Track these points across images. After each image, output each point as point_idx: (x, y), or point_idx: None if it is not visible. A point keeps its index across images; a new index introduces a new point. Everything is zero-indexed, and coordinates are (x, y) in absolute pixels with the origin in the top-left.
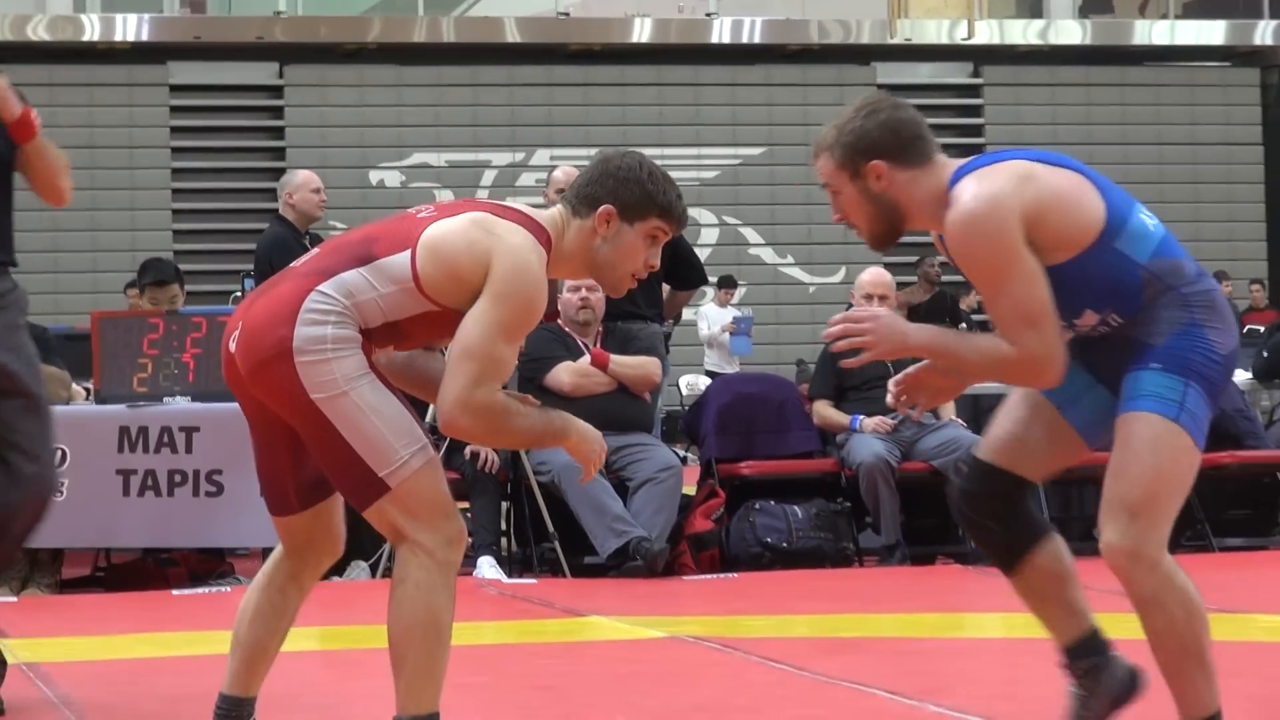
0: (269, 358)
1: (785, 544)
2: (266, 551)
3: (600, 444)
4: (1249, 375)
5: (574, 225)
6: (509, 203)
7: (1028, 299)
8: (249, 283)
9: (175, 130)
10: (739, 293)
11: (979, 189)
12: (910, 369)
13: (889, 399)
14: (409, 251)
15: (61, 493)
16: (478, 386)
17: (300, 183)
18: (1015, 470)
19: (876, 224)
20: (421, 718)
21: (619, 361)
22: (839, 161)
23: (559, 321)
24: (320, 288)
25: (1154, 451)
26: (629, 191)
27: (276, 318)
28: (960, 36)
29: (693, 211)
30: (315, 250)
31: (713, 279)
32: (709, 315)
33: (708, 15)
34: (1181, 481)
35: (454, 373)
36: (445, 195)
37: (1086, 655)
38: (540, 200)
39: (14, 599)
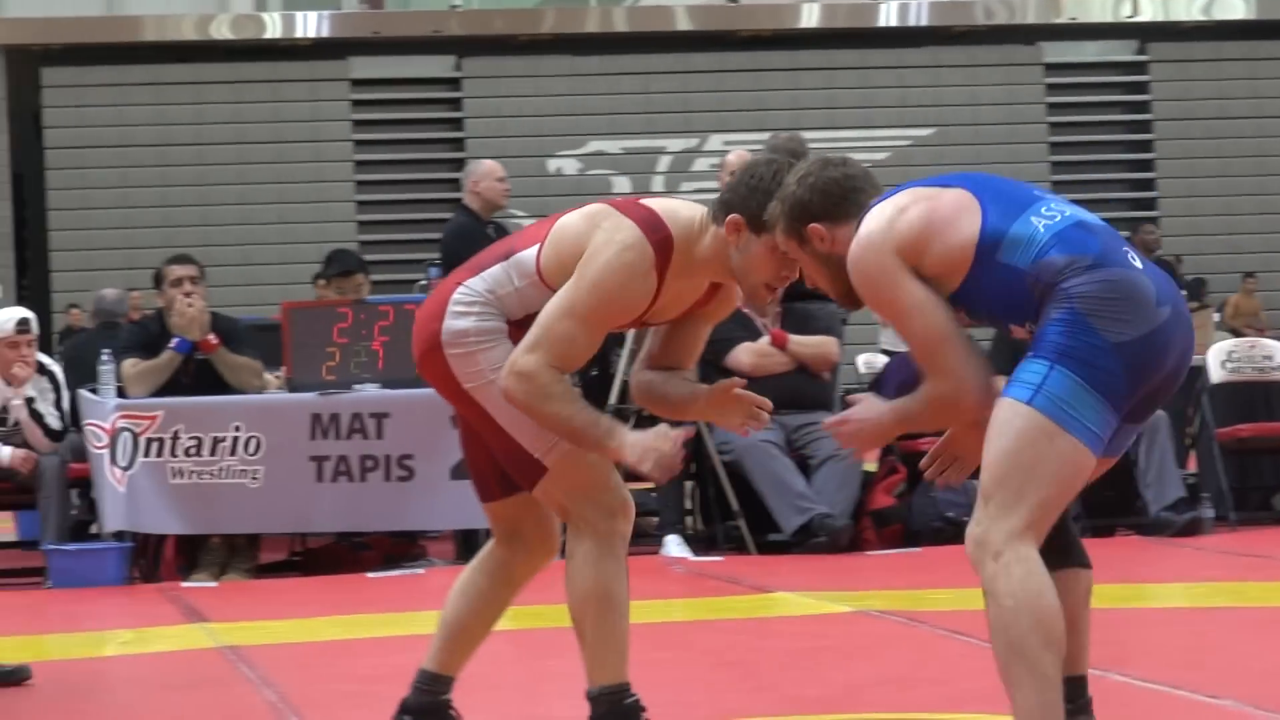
0: (427, 350)
1: (967, 518)
2: (458, 534)
3: (667, 444)
4: None
5: (710, 231)
6: (668, 198)
7: (923, 330)
8: (434, 271)
9: (357, 124)
10: None
11: (860, 232)
12: (937, 445)
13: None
14: (539, 245)
15: (257, 480)
16: (531, 352)
17: (485, 171)
18: None
19: (837, 283)
20: (610, 688)
21: (798, 341)
22: (785, 231)
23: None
24: (467, 282)
25: (1000, 435)
26: (757, 202)
27: (431, 312)
28: (1125, 14)
29: None
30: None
31: None
32: None
33: None
34: (1037, 465)
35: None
36: (621, 182)
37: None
38: (715, 185)
39: (214, 584)
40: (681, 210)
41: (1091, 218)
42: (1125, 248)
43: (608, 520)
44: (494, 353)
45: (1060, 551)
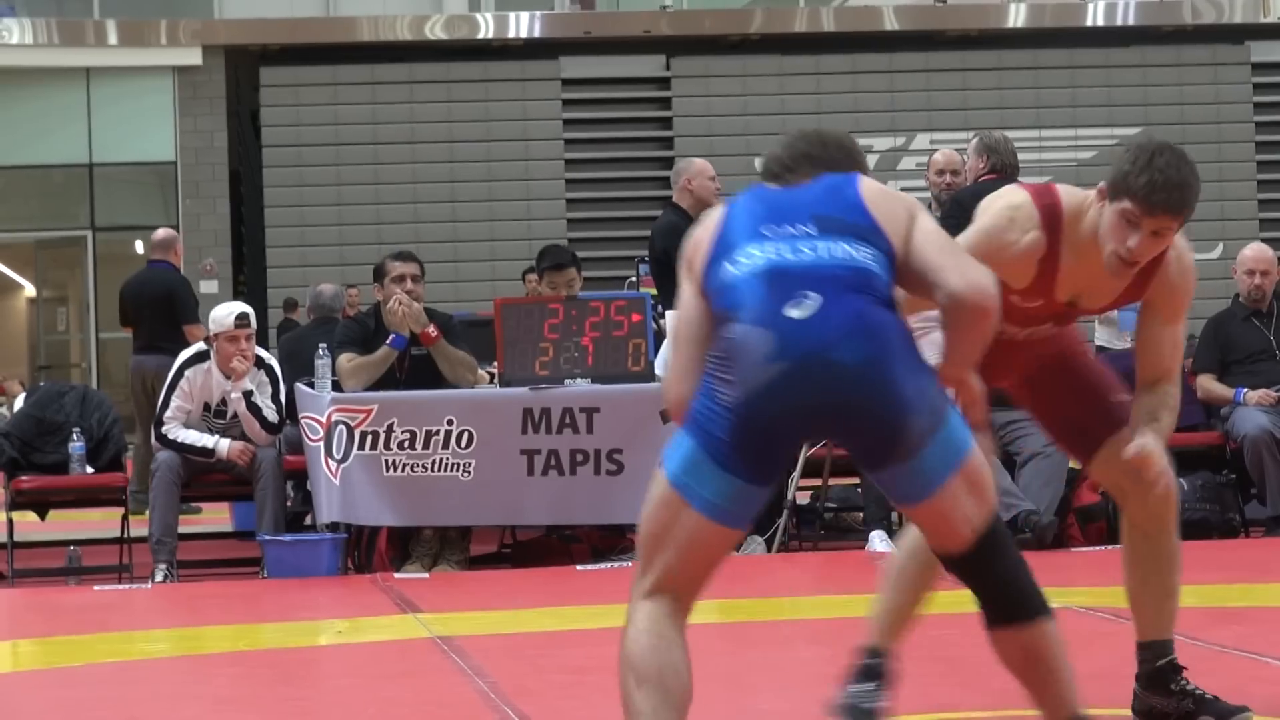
0: None
1: None
2: None
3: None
4: None
5: (1094, 204)
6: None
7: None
8: (643, 268)
9: (567, 123)
10: None
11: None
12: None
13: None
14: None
15: (469, 473)
16: (976, 268)
17: (698, 170)
18: None
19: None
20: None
21: None
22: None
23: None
24: None
25: (646, 499)
26: (1115, 170)
27: None
28: None
29: None
30: None
31: None
32: None
33: None
34: (664, 535)
35: (955, 261)
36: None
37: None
38: (922, 184)
39: (425, 575)
40: (1074, 190)
41: (795, 260)
42: (798, 298)
43: None
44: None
45: (998, 608)
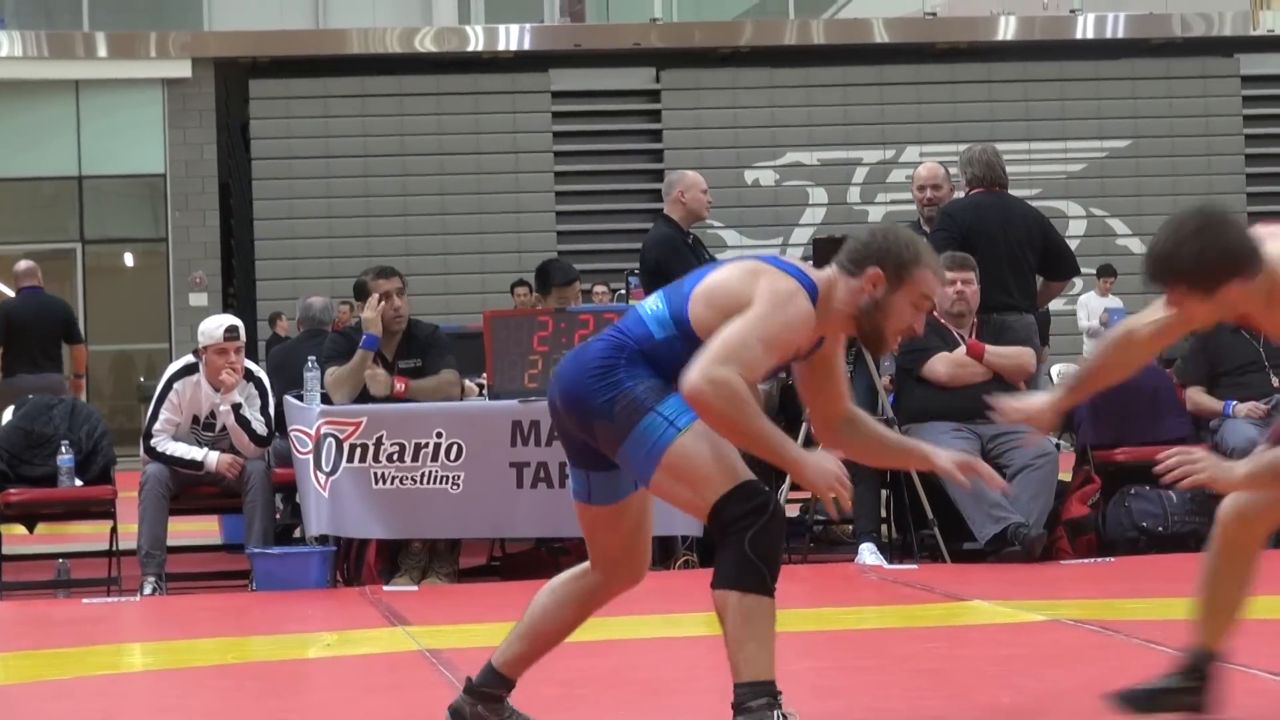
0: None
1: (1161, 528)
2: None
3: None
4: None
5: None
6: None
7: None
8: (633, 280)
9: (557, 135)
10: None
11: None
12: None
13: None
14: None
15: (458, 486)
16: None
17: (690, 182)
18: None
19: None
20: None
21: (994, 352)
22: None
23: (935, 313)
24: None
25: None
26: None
27: None
28: None
29: (1060, 204)
30: None
31: (1089, 269)
32: (1088, 305)
33: (1072, 12)
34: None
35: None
36: (818, 193)
37: None
38: (910, 196)
39: (414, 588)
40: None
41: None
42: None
43: None
44: None
45: None
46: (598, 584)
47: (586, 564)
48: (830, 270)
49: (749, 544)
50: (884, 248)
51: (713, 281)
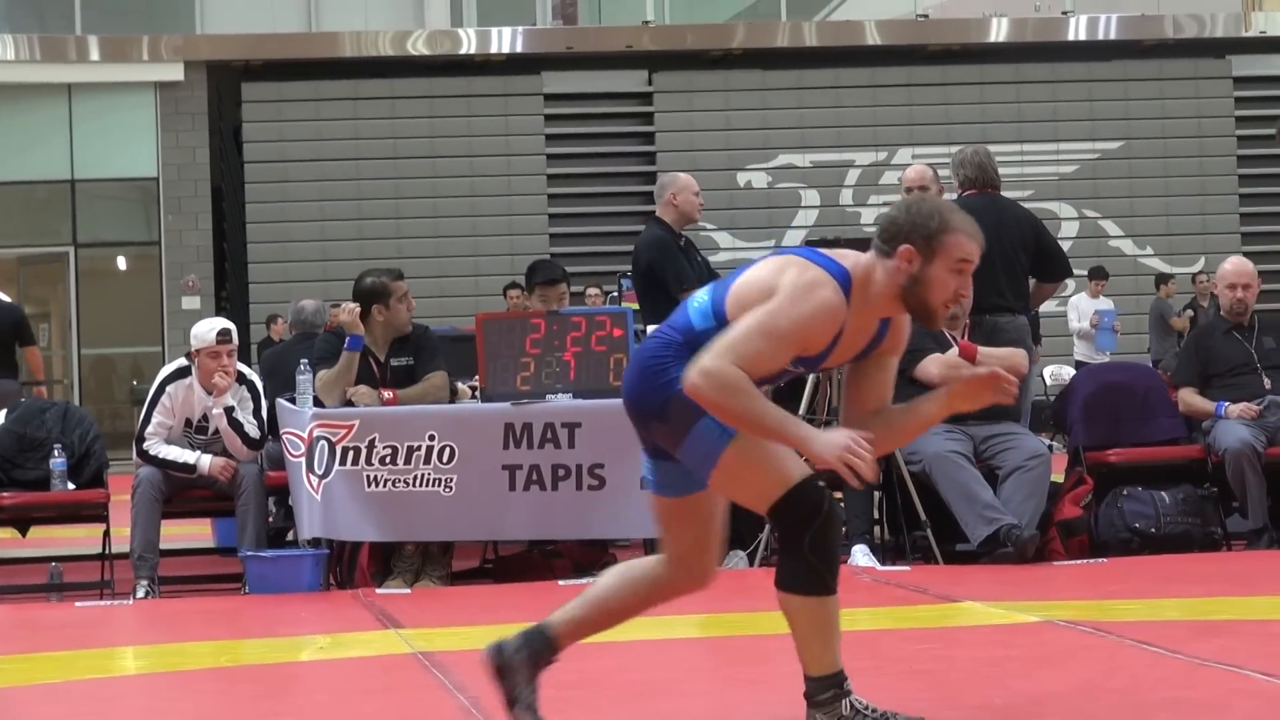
0: None
1: (1154, 529)
2: (647, 542)
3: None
4: None
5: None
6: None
7: None
8: (625, 283)
9: (550, 138)
10: None
11: None
12: None
13: None
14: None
15: (450, 489)
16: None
17: (683, 185)
18: None
19: None
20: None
21: (986, 353)
22: None
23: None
24: None
25: None
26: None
27: None
28: None
29: (1052, 205)
30: None
31: (1081, 271)
32: (1079, 306)
33: (1064, 13)
34: None
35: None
36: (810, 195)
37: None
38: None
39: (407, 591)
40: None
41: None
42: (666, 322)
43: None
44: None
45: None
46: (665, 579)
47: (665, 555)
48: (868, 255)
49: (808, 548)
50: (911, 222)
51: (748, 275)
